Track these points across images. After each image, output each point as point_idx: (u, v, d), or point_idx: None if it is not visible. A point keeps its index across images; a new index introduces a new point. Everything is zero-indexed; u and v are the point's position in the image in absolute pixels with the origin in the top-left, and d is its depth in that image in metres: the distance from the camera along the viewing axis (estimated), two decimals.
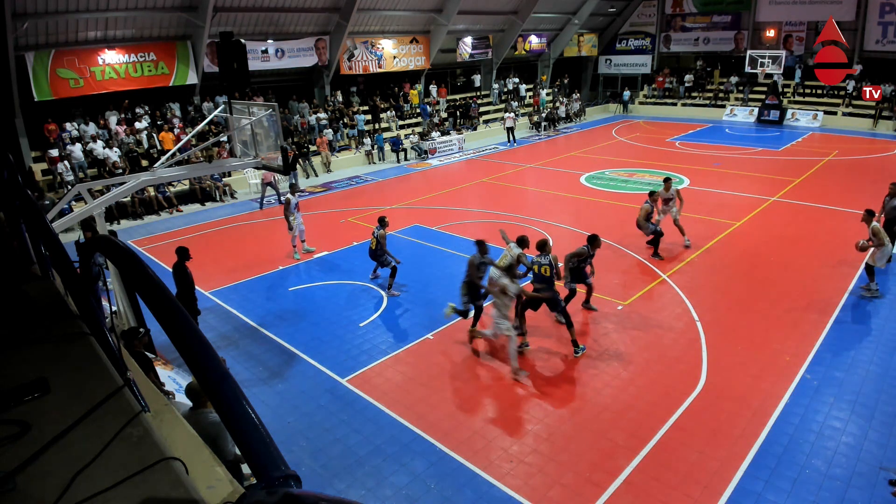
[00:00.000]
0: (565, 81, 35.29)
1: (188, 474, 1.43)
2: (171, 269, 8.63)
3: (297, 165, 19.99)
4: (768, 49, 29.80)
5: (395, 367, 8.26)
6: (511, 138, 26.59)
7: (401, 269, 11.05)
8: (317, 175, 21.33)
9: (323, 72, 24.47)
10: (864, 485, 5.70)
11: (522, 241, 8.61)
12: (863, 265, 10.00)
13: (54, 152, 16.72)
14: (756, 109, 29.75)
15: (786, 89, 29.82)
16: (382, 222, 10.56)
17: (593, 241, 9.10)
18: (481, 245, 8.57)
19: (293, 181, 16.42)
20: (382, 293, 10.68)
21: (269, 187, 17.53)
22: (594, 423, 6.89)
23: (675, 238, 12.30)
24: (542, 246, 8.38)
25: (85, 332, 2.13)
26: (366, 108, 25.75)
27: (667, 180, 12.28)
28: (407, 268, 11.74)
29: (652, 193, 11.71)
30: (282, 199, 17.41)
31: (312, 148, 21.92)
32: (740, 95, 31.21)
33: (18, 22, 15.36)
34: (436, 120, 26.99)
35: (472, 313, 8.85)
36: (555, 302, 8.45)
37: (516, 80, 32.86)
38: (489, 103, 31.22)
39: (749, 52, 29.93)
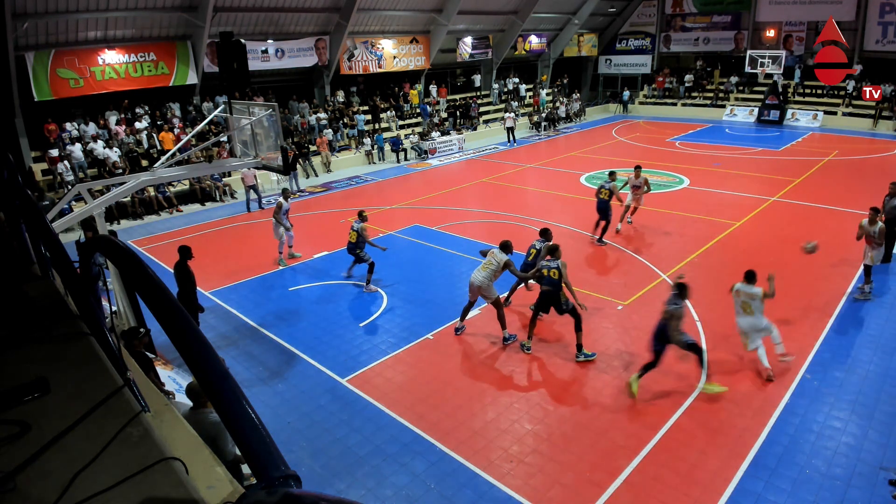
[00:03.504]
0: (565, 81, 35.27)
1: (188, 474, 1.42)
2: (171, 269, 8.63)
3: (298, 165, 19.93)
4: (768, 49, 29.79)
5: (395, 367, 8.26)
6: (511, 138, 26.58)
7: (401, 269, 11.03)
8: (317, 175, 21.33)
9: (323, 72, 24.47)
10: (864, 485, 5.70)
11: (506, 247, 8.61)
12: (862, 266, 9.99)
13: (54, 152, 16.71)
14: (756, 109, 29.74)
15: (786, 89, 29.80)
16: (361, 216, 10.62)
17: (545, 233, 9.32)
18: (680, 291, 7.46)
19: (286, 186, 16.28)
20: (382, 293, 10.68)
21: (252, 190, 17.01)
22: (594, 423, 6.89)
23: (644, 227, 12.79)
24: (553, 251, 8.39)
25: (85, 332, 2.13)
26: (366, 108, 25.74)
27: (637, 168, 13.36)
28: (407, 268, 11.76)
29: (612, 173, 12.60)
30: (262, 203, 17.29)
31: (312, 148, 21.91)
32: (758, 95, 30.70)
33: (18, 22, 15.35)
34: (436, 120, 26.98)
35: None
36: (559, 302, 8.38)
37: (516, 80, 32.84)
38: (489, 103, 31.20)
39: (749, 52, 29.93)
